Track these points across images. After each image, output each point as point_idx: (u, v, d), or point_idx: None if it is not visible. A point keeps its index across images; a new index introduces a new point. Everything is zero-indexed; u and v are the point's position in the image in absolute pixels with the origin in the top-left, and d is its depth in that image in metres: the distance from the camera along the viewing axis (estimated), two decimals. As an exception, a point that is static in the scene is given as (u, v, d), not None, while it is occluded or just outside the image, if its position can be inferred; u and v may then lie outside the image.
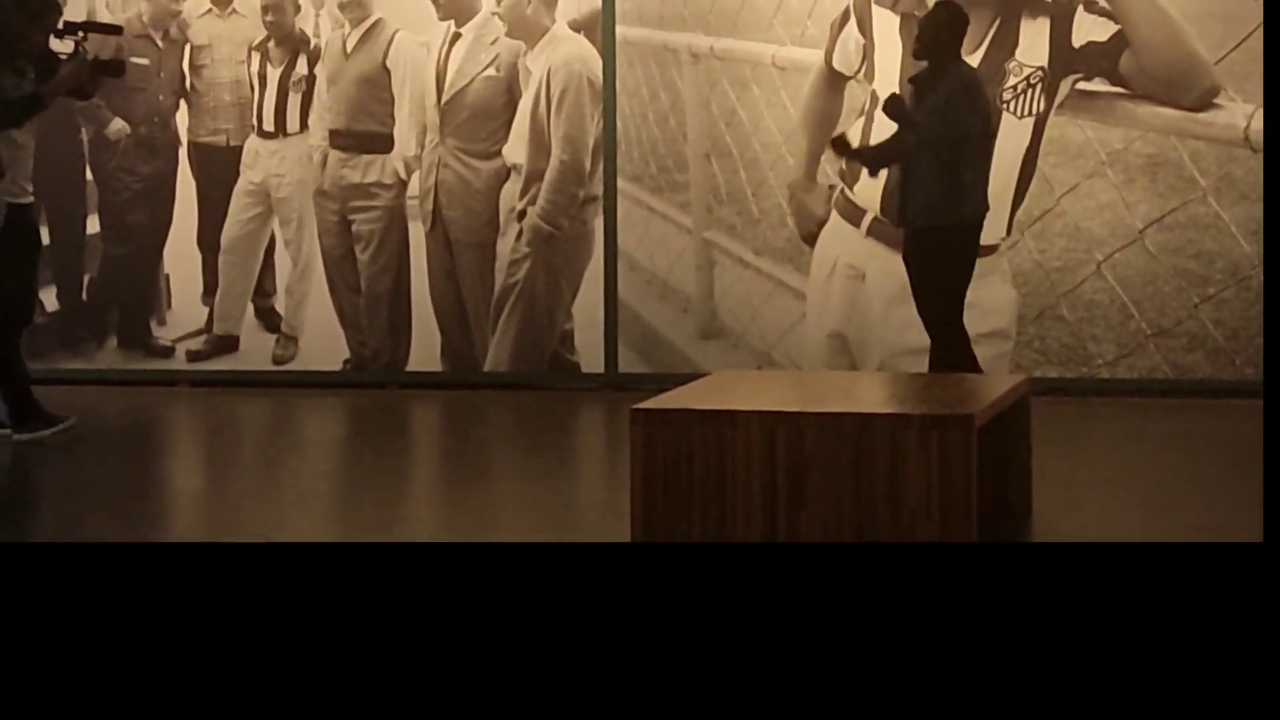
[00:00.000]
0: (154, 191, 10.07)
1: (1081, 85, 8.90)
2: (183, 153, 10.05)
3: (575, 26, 9.55)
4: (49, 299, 10.00)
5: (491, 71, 9.62)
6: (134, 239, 10.09)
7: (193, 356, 10.03)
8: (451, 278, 9.74)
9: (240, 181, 10.00)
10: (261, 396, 9.56)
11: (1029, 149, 8.91)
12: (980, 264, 8.15)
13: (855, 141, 8.72)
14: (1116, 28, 8.81)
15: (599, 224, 9.52)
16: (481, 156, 9.65)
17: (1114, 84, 8.85)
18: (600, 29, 9.52)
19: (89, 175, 10.11)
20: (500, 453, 8.05)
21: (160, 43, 9.98)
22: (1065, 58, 8.89)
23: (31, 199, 7.66)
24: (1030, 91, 8.92)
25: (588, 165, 9.50)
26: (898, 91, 8.05)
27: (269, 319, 9.99)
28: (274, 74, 9.95)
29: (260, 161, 9.98)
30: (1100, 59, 8.85)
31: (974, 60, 8.49)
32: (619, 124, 9.51)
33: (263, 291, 10.00)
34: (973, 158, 7.78)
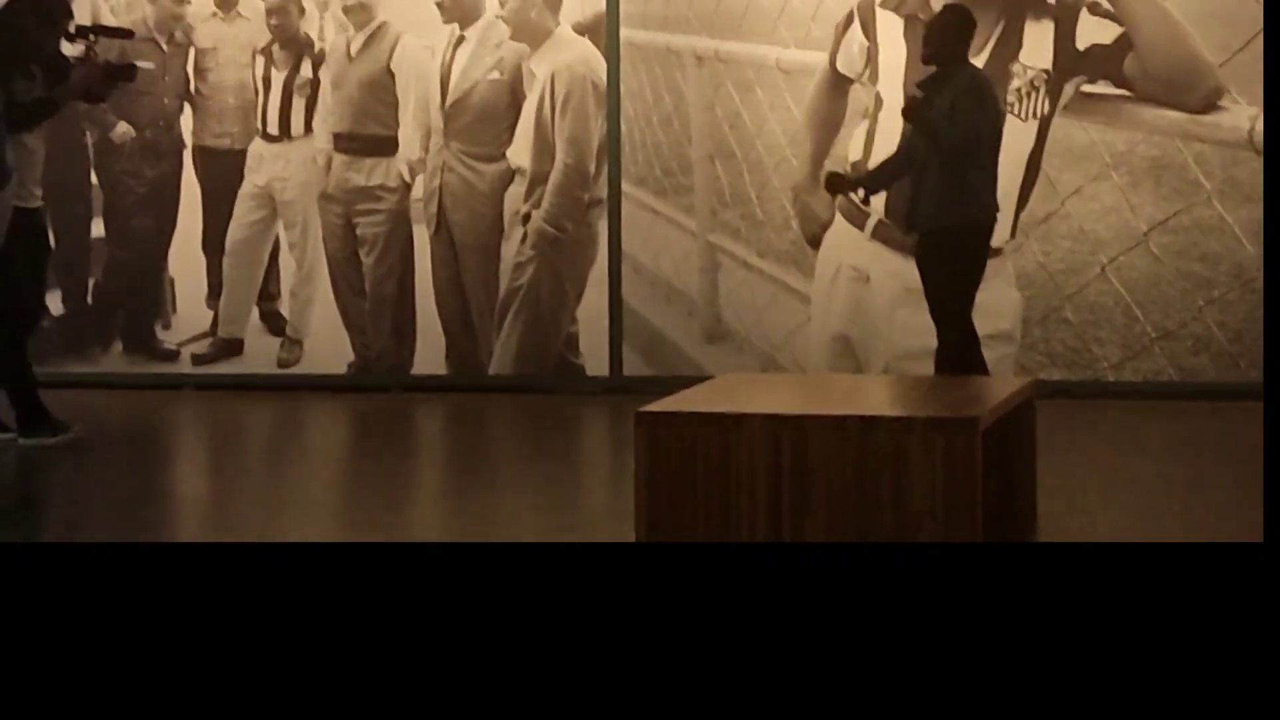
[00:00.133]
0: (159, 195, 10.07)
1: (1086, 88, 8.90)
2: (187, 156, 10.05)
3: (579, 29, 9.55)
4: (54, 303, 9.99)
5: (496, 75, 9.63)
6: (139, 242, 10.10)
7: (197, 360, 10.03)
8: (456, 281, 9.74)
9: (245, 185, 10.00)
10: (266, 400, 9.57)
11: (1033, 151, 8.91)
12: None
13: (859, 151, 8.73)
14: (1121, 30, 8.80)
15: (603, 227, 9.52)
16: (486, 160, 9.65)
17: (1118, 86, 8.85)
18: (604, 32, 9.52)
19: (94, 179, 10.11)
20: (504, 456, 8.05)
21: (165, 46, 9.99)
22: (1069, 60, 8.89)
23: (41, 203, 7.66)
24: (1034, 94, 8.92)
25: (592, 168, 9.50)
26: (915, 97, 8.04)
27: (273, 322, 9.99)
28: (278, 77, 9.95)
29: (265, 165, 9.99)
30: (1104, 61, 8.85)
31: (978, 63, 8.49)
32: (623, 127, 9.52)
33: (267, 295, 10.00)
34: (982, 159, 7.77)
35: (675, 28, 9.53)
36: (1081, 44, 8.88)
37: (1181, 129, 8.75)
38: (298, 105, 9.92)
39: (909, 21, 9.05)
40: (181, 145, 10.05)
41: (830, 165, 9.24)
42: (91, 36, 7.72)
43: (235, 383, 9.86)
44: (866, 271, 9.16)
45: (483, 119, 9.65)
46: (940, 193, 7.69)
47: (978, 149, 7.72)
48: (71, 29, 7.72)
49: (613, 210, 9.52)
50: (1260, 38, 8.50)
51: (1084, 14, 8.86)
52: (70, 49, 7.79)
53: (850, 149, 9.21)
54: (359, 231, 9.85)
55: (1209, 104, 8.71)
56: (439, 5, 9.68)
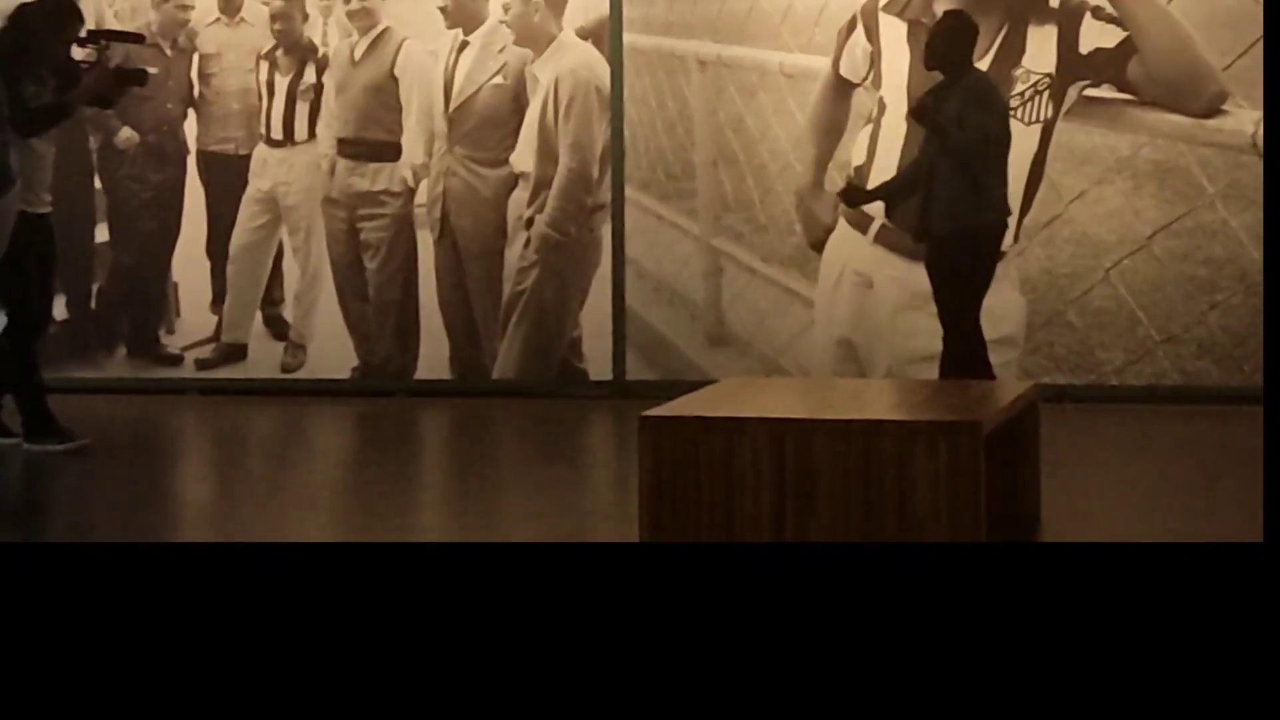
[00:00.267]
0: (162, 200, 10.08)
1: (1089, 92, 8.90)
2: (191, 161, 10.06)
3: (583, 34, 9.56)
4: (58, 308, 9.97)
5: (499, 79, 9.63)
6: (142, 247, 10.11)
7: (201, 365, 10.04)
8: (460, 286, 9.74)
9: (248, 190, 10.01)
10: (270, 405, 9.57)
11: (1036, 155, 8.91)
12: (989, 270, 8.16)
13: (863, 155, 8.72)
14: (1124, 34, 8.80)
15: (607, 231, 9.53)
16: (489, 164, 9.66)
17: (1121, 90, 8.85)
18: (608, 37, 9.52)
19: (98, 184, 10.12)
20: (508, 461, 8.05)
21: (169, 51, 10.00)
22: (1073, 64, 8.89)
23: (50, 208, 7.65)
24: (1038, 98, 8.92)
25: (595, 173, 9.51)
26: (924, 95, 8.04)
27: (277, 327, 10.00)
28: (282, 82, 9.96)
29: (268, 170, 10.00)
30: (1108, 65, 8.85)
31: (982, 67, 8.49)
32: (626, 132, 9.52)
33: (271, 299, 10.01)
34: (993, 163, 7.75)
35: (678, 32, 9.54)
36: (1084, 48, 8.88)
37: (1185, 133, 8.75)
38: (301, 110, 9.93)
39: (912, 26, 9.06)
40: (185, 150, 10.06)
41: (834, 170, 9.25)
42: (102, 41, 7.72)
43: (239, 388, 9.86)
44: (870, 276, 9.16)
45: (486, 124, 9.65)
46: (952, 198, 7.67)
47: (987, 153, 7.71)
48: (82, 34, 7.73)
49: (616, 215, 9.52)
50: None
51: (1087, 18, 8.86)
52: (80, 54, 7.79)
53: (854, 153, 9.22)
54: (363, 236, 9.86)
55: (1212, 108, 8.70)
56: (442, 10, 9.69)
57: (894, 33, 9.14)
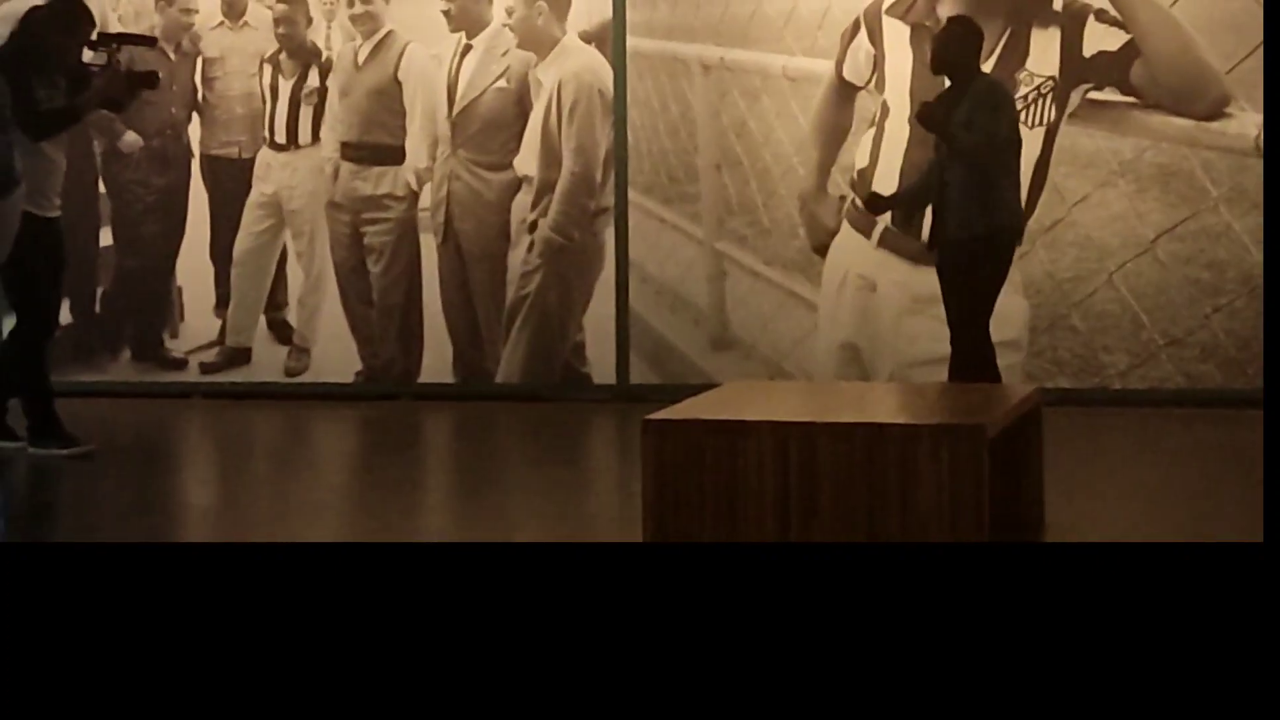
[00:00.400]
0: (166, 204, 10.09)
1: (1092, 95, 8.90)
2: (195, 165, 10.07)
3: (586, 38, 9.56)
4: (62, 312, 9.99)
5: (502, 83, 9.64)
6: (146, 251, 10.11)
7: (205, 368, 10.04)
8: (463, 289, 9.75)
9: (252, 194, 10.01)
10: (274, 408, 9.57)
11: (1040, 159, 8.90)
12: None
13: (866, 159, 8.71)
14: (1127, 37, 8.81)
15: (610, 235, 9.53)
16: (493, 168, 9.66)
17: (1125, 93, 8.85)
18: (611, 40, 9.53)
19: (101, 188, 10.13)
20: (512, 464, 8.05)
21: (172, 55, 10.00)
22: (1076, 67, 8.89)
23: (59, 213, 7.63)
24: (1041, 101, 8.92)
25: (599, 176, 9.51)
26: (930, 100, 8.00)
27: (281, 331, 10.00)
28: (286, 86, 9.97)
29: (272, 174, 10.00)
30: (1111, 68, 8.85)
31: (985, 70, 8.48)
32: (630, 135, 9.52)
33: (275, 303, 10.01)
34: (1006, 165, 7.72)
35: (681, 36, 9.54)
36: (1088, 51, 8.88)
37: (1188, 136, 8.75)
38: (305, 114, 9.94)
39: (915, 29, 9.06)
40: (189, 154, 10.06)
41: (837, 173, 9.25)
42: (114, 45, 7.71)
43: (243, 391, 9.86)
44: (874, 280, 9.16)
45: (490, 128, 9.66)
46: (964, 202, 7.61)
47: (999, 156, 7.66)
48: (94, 37, 7.72)
49: (619, 218, 9.52)
50: (1267, 45, 8.50)
51: (1090, 21, 8.87)
52: (91, 57, 7.78)
53: (857, 157, 9.22)
54: (366, 240, 9.86)
55: (1216, 111, 8.71)
56: (446, 14, 9.70)
57: (897, 36, 9.15)
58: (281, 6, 9.94)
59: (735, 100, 9.48)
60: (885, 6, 9.18)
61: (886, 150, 9.06)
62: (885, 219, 9.05)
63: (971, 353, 7.78)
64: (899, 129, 9.01)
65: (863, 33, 9.21)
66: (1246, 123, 8.63)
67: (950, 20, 7.93)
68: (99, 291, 10.18)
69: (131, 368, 10.11)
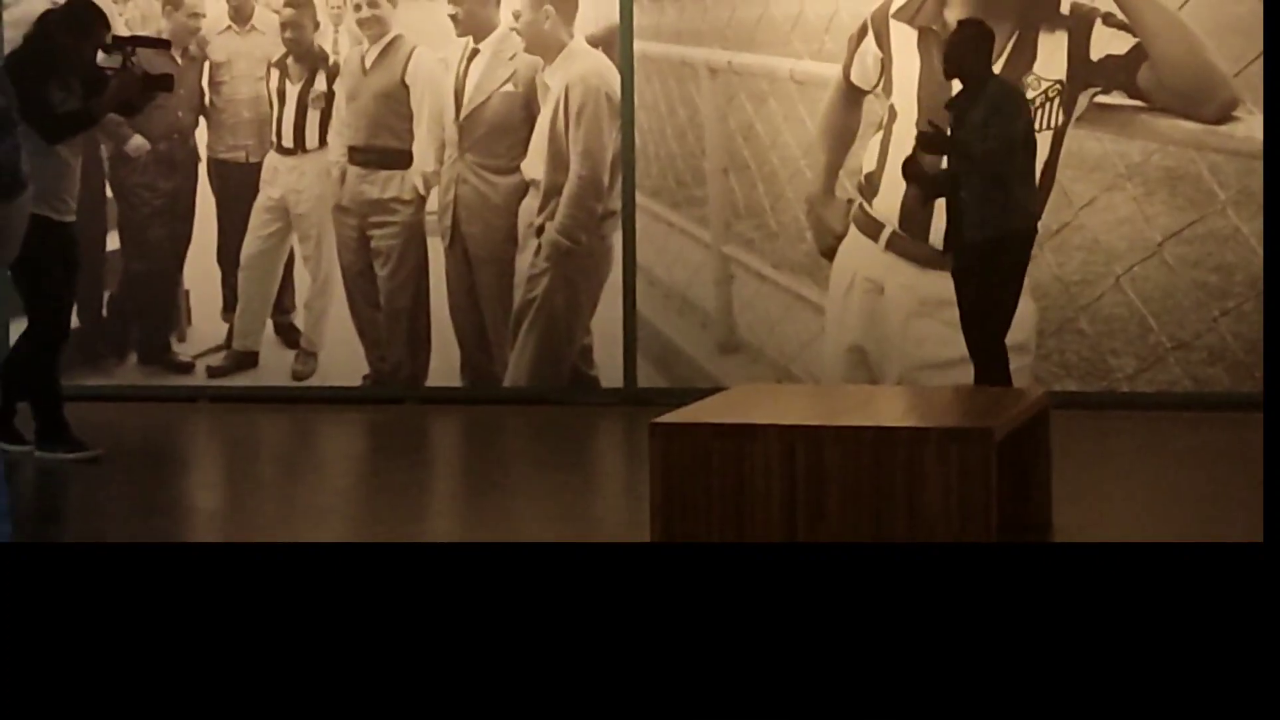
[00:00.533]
0: (173, 207, 10.09)
1: (1100, 98, 8.90)
2: (202, 169, 10.07)
3: (593, 42, 9.56)
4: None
5: (510, 87, 9.64)
6: (154, 255, 10.12)
7: (213, 372, 10.05)
8: (470, 293, 9.75)
9: (259, 197, 10.02)
10: (281, 412, 9.58)
11: (1047, 162, 8.89)
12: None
13: (873, 162, 8.68)
14: (1135, 40, 8.80)
15: (617, 239, 9.53)
16: (500, 172, 9.67)
17: (1132, 97, 8.84)
18: (618, 44, 9.53)
19: (109, 191, 10.14)
20: (519, 468, 8.06)
21: (180, 60, 10.01)
22: (1083, 71, 8.89)
23: (74, 217, 7.61)
24: (1048, 104, 8.91)
25: (606, 180, 9.51)
26: (932, 122, 7.94)
27: (288, 335, 10.00)
28: (293, 90, 9.97)
29: (279, 177, 10.01)
30: (1119, 72, 8.85)
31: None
32: (637, 139, 9.52)
33: (282, 307, 10.02)
34: (1021, 167, 7.69)
35: (689, 40, 9.54)
36: (1095, 54, 8.87)
37: (1196, 139, 8.75)
38: (312, 118, 9.94)
39: (923, 33, 9.06)
40: (196, 158, 10.07)
41: (844, 177, 9.24)
42: (129, 48, 7.70)
43: (250, 395, 9.87)
44: (881, 283, 9.16)
45: (497, 131, 9.66)
46: (980, 205, 7.58)
47: (1013, 159, 7.63)
48: (108, 40, 7.71)
49: (627, 222, 9.52)
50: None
51: (1098, 25, 8.86)
52: (106, 60, 7.78)
53: (864, 160, 9.22)
54: (373, 244, 9.86)
55: (1223, 114, 8.70)
56: (453, 18, 9.70)
57: (904, 39, 9.14)
58: (289, 11, 9.95)
59: (742, 104, 9.48)
60: (893, 10, 9.17)
61: (894, 154, 9.04)
62: (893, 223, 9.04)
63: (988, 362, 7.73)
64: (906, 132, 8.99)
65: (870, 36, 9.21)
66: (1254, 126, 8.63)
67: (961, 23, 7.92)
68: (106, 295, 10.19)
69: (138, 371, 10.11)
